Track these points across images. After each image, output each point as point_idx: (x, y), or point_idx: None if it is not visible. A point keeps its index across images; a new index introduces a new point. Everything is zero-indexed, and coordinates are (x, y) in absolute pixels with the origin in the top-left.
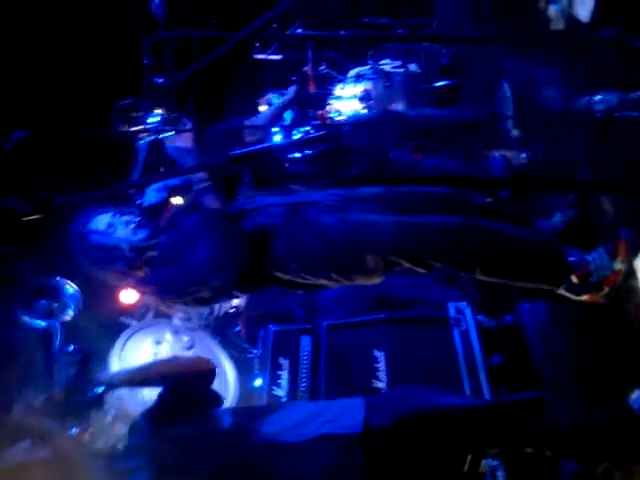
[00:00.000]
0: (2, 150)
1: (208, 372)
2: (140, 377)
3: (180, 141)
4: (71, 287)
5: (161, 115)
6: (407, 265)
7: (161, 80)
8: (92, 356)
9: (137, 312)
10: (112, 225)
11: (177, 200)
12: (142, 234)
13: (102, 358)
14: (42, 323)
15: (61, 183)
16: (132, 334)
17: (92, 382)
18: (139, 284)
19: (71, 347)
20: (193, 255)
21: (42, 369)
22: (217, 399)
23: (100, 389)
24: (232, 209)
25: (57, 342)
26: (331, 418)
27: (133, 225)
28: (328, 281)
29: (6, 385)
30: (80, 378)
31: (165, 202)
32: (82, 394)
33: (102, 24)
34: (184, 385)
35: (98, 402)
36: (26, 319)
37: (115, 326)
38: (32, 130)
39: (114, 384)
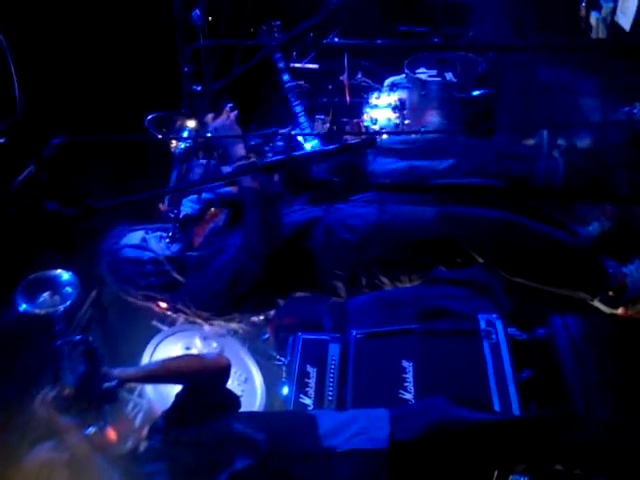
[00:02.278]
0: (41, 156)
1: (223, 368)
2: (153, 373)
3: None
4: (66, 274)
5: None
6: (449, 260)
7: (199, 88)
8: (97, 348)
9: (169, 317)
10: (145, 240)
11: (213, 213)
12: (176, 247)
13: (133, 361)
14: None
15: (98, 188)
16: (163, 339)
17: (103, 376)
18: (171, 300)
19: (78, 337)
20: (224, 255)
21: (49, 360)
22: (235, 400)
23: (112, 383)
24: None
25: (62, 332)
26: (357, 431)
27: (167, 239)
28: (365, 278)
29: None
30: (88, 371)
31: (200, 214)
32: (93, 388)
33: (142, 32)
34: (199, 382)
35: (110, 397)
36: (27, 308)
37: (147, 330)
38: (70, 136)
39: (126, 379)
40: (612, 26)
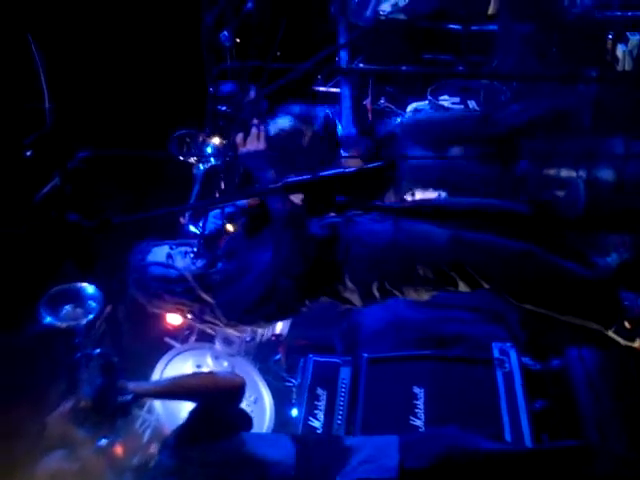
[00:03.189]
0: (66, 169)
1: (238, 387)
2: (168, 389)
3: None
4: (90, 287)
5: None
6: (455, 283)
7: (223, 108)
8: (116, 362)
9: (181, 334)
10: (171, 256)
11: (231, 227)
12: (200, 263)
13: (144, 377)
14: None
15: (121, 202)
16: (174, 356)
17: (119, 389)
18: (201, 313)
19: (97, 350)
20: (256, 265)
21: (66, 372)
22: (247, 420)
23: (127, 397)
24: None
25: (81, 345)
26: (366, 459)
27: (191, 255)
28: (378, 293)
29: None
30: (106, 385)
31: (222, 230)
32: (109, 402)
33: (171, 52)
34: (213, 400)
35: (125, 411)
36: (51, 321)
37: (159, 346)
38: (96, 150)
39: (142, 393)
40: (638, 59)
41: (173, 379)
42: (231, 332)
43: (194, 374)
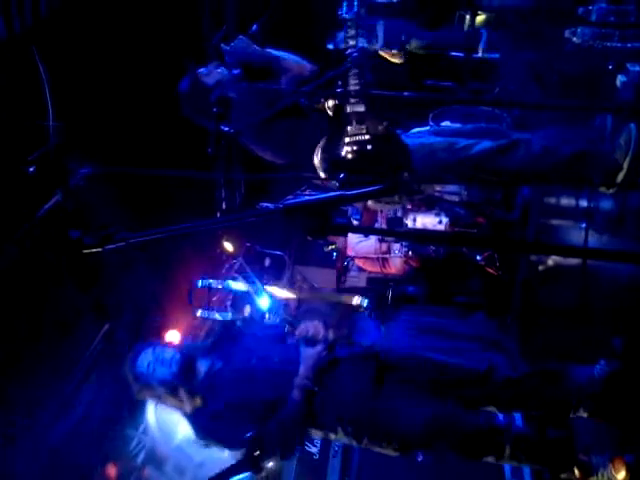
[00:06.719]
0: (68, 185)
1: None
2: None
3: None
4: None
5: None
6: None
7: (226, 128)
8: None
9: None
10: (150, 365)
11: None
12: (174, 367)
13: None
14: None
15: (125, 220)
16: None
17: None
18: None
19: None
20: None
21: None
22: None
23: None
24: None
25: None
26: None
27: (168, 361)
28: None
29: None
30: None
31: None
32: None
33: (175, 70)
34: None
35: None
36: None
37: None
38: (98, 167)
39: None
40: (638, 89)
41: None
42: None
43: None
